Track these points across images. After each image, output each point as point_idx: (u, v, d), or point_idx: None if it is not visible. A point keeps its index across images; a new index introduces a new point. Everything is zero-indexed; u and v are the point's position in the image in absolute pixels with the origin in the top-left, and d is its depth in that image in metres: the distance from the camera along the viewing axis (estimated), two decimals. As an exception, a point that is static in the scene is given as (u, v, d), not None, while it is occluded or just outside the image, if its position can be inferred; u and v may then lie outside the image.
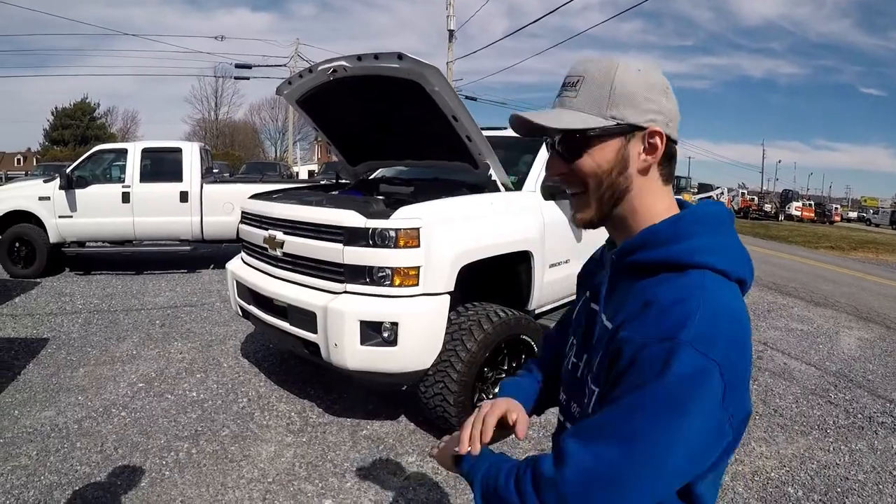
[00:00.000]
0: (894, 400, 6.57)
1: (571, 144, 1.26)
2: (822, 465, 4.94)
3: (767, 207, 56.43)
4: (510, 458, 1.29)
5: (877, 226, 65.24)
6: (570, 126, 1.23)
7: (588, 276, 1.54)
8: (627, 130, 1.23)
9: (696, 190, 58.75)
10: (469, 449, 1.35)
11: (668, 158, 1.28)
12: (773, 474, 4.71)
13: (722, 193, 59.52)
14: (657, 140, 1.23)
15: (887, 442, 5.46)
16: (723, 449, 1.13)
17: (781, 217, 55.44)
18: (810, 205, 62.54)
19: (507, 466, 1.24)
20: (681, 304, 1.10)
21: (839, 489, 4.57)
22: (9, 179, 31.41)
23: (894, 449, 5.33)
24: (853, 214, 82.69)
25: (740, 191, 63.38)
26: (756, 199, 60.20)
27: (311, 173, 39.20)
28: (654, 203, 1.28)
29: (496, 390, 4.83)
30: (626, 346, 1.11)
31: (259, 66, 38.97)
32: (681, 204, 1.34)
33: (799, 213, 57.61)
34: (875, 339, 9.39)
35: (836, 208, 71.81)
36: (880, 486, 4.66)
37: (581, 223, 1.34)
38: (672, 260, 1.18)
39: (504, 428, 1.47)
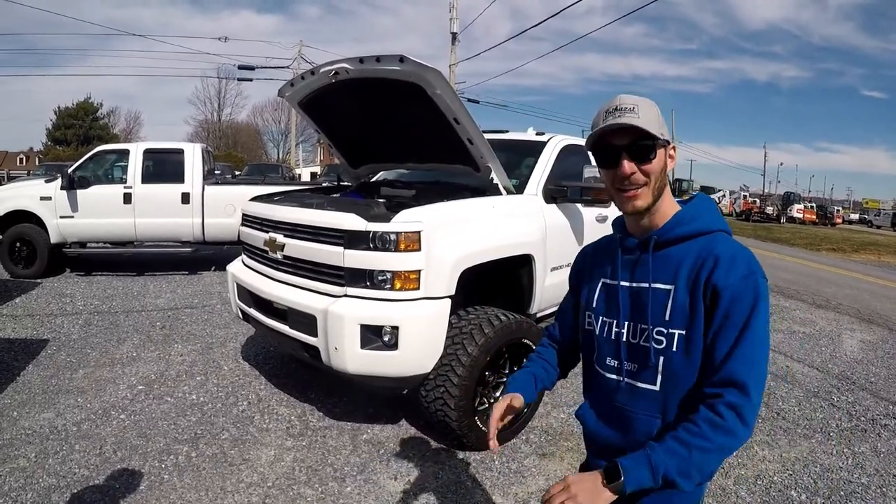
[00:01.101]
0: (897, 403, 6.56)
1: (645, 149, 1.77)
2: (826, 468, 4.92)
3: (769, 210, 56.49)
4: (665, 441, 1.65)
5: (878, 227, 65.27)
6: (656, 132, 1.75)
7: (596, 263, 2.06)
8: (666, 144, 1.80)
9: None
10: (496, 445, 1.95)
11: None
12: (776, 478, 4.70)
13: (724, 196, 59.69)
14: (674, 152, 1.86)
15: (890, 444, 5.45)
16: None
17: (783, 219, 55.43)
18: (812, 207, 62.52)
19: (684, 439, 1.62)
20: (737, 253, 1.73)
21: (842, 492, 4.56)
22: (11, 179, 31.46)
23: (897, 452, 5.32)
24: (855, 216, 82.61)
25: (742, 193, 63.52)
26: (758, 201, 60.29)
27: (313, 175, 39.13)
28: (669, 196, 1.87)
29: (497, 394, 4.84)
30: (724, 289, 1.67)
31: (262, 67, 38.94)
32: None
33: (801, 216, 57.53)
34: (877, 341, 9.39)
35: (838, 210, 71.73)
36: (883, 489, 4.64)
37: (636, 209, 1.82)
38: (704, 229, 1.80)
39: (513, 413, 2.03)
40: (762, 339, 1.65)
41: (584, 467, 2.05)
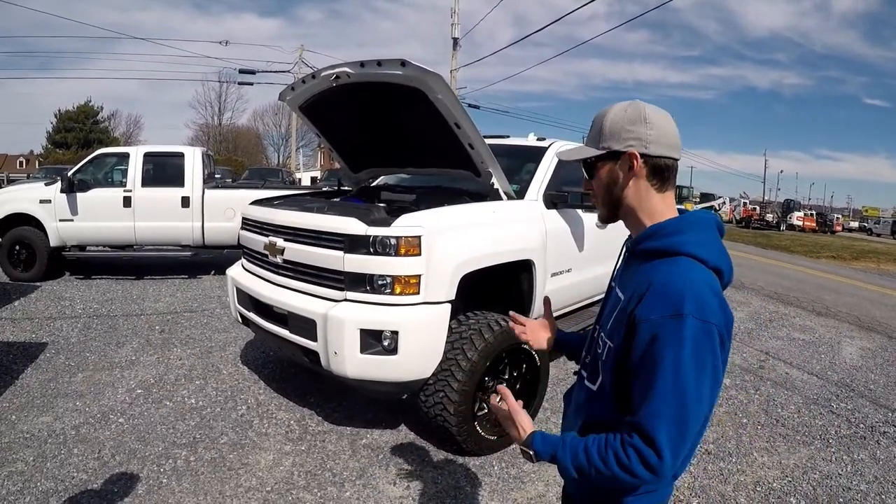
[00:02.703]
0: (896, 410, 6.56)
1: (587, 168, 1.86)
2: (825, 475, 4.93)
3: (769, 217, 56.46)
4: (582, 441, 1.66)
5: (878, 235, 65.44)
6: (578, 157, 1.85)
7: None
8: (613, 156, 1.77)
9: (698, 199, 58.80)
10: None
11: (655, 171, 1.76)
12: (775, 485, 4.70)
13: (724, 203, 59.69)
14: (633, 161, 1.74)
15: (889, 451, 5.46)
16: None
17: (783, 227, 55.41)
18: (812, 214, 62.48)
19: (594, 445, 1.61)
20: (675, 285, 1.58)
21: (841, 499, 4.57)
22: (10, 182, 31.47)
23: (896, 459, 5.32)
24: (854, 224, 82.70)
25: (742, 200, 63.44)
26: (758, 208, 60.28)
27: (313, 179, 39.21)
28: (652, 206, 1.78)
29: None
30: (642, 323, 1.57)
31: (263, 71, 39.02)
32: (680, 211, 1.82)
33: (800, 223, 57.53)
34: (877, 348, 9.41)
35: (838, 218, 71.94)
36: (883, 497, 4.65)
37: (599, 220, 1.92)
38: (670, 248, 1.67)
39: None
40: (677, 388, 1.51)
41: None
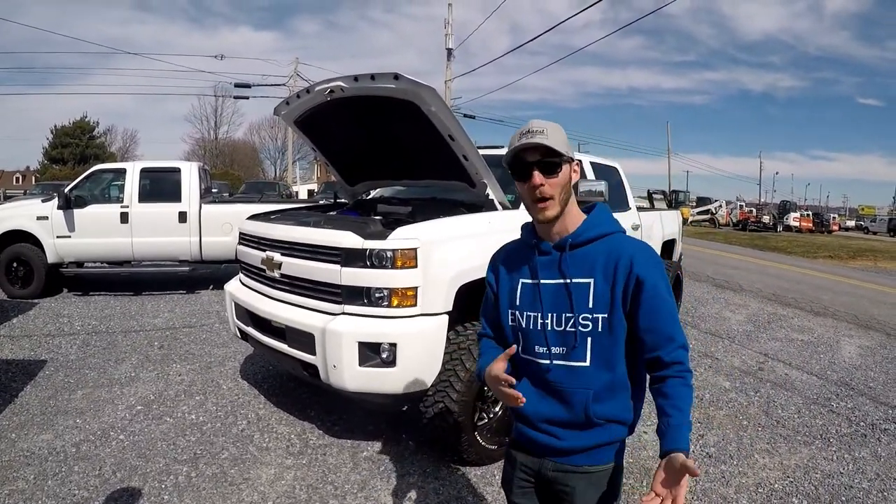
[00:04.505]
0: (896, 407, 6.57)
1: (552, 164, 2.10)
2: (826, 474, 4.94)
3: (766, 219, 56.53)
4: (677, 409, 2.01)
5: (874, 234, 65.59)
6: (562, 150, 2.09)
7: (510, 266, 2.35)
8: (570, 161, 2.15)
9: (694, 203, 58.93)
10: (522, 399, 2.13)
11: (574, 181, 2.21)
12: (776, 485, 4.71)
13: (720, 206, 59.75)
14: (577, 168, 2.21)
15: (891, 449, 5.48)
16: None
17: (780, 228, 55.51)
18: (808, 215, 62.52)
19: (683, 390, 2.05)
20: (644, 248, 2.18)
21: (843, 498, 4.58)
22: (7, 198, 31.43)
23: (897, 456, 5.33)
24: (851, 223, 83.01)
25: (738, 203, 63.56)
26: (754, 210, 60.31)
27: (310, 192, 39.15)
28: (575, 206, 2.22)
29: (496, 409, 4.83)
30: (647, 278, 2.06)
31: (259, 85, 39.08)
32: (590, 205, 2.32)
33: (797, 224, 57.59)
34: (876, 346, 9.46)
35: (834, 218, 71.96)
36: (885, 494, 4.67)
37: (547, 219, 2.14)
38: (608, 231, 2.19)
39: None
40: (674, 310, 2.14)
41: (513, 445, 2.42)
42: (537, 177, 2.08)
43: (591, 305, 2.11)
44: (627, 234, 2.26)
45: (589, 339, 2.13)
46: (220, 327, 8.95)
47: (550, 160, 2.08)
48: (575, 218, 2.21)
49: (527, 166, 2.10)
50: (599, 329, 2.11)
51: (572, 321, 2.13)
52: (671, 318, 2.10)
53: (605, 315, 2.10)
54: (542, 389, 2.22)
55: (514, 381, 2.16)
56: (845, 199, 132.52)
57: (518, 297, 2.27)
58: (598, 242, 2.16)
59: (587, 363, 2.14)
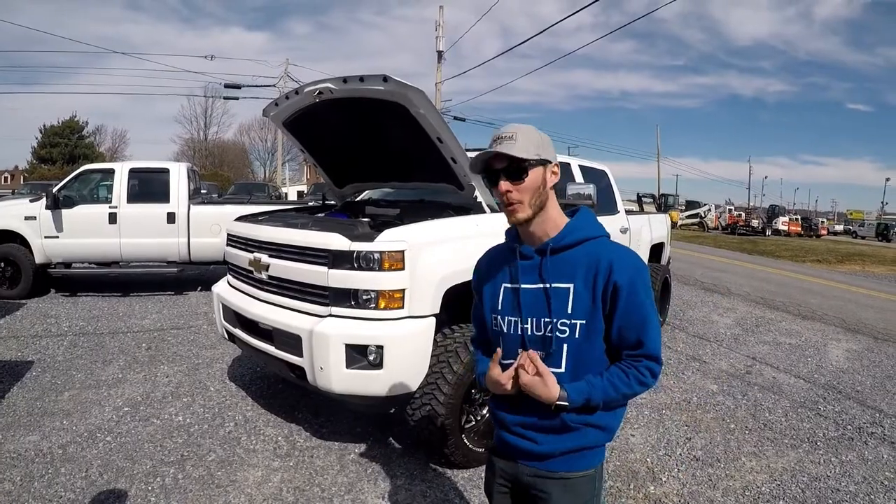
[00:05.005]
0: (883, 410, 6.63)
1: (518, 171, 2.09)
2: (813, 477, 4.96)
3: (754, 223, 56.74)
4: (601, 379, 2.10)
5: (863, 238, 65.80)
6: (524, 155, 2.07)
7: (493, 270, 2.36)
8: (545, 163, 2.14)
9: (683, 207, 59.02)
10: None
11: (556, 183, 2.21)
12: (763, 488, 4.73)
13: (709, 210, 59.89)
14: (557, 170, 2.20)
15: (877, 452, 5.50)
16: None
17: (768, 232, 55.66)
18: (797, 219, 62.76)
19: (616, 379, 2.09)
20: (625, 254, 2.15)
21: (830, 501, 4.60)
22: (-5, 199, 31.26)
23: (884, 459, 5.38)
24: (839, 227, 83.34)
25: (727, 207, 63.79)
26: (743, 214, 60.48)
27: (300, 194, 39.11)
28: (556, 209, 2.22)
29: (483, 411, 4.83)
30: (623, 284, 2.05)
31: (249, 86, 39.04)
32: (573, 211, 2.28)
33: (786, 228, 57.77)
34: (863, 350, 9.50)
35: (823, 222, 72.19)
36: (871, 497, 4.69)
37: (517, 221, 2.16)
38: (591, 236, 2.17)
39: None
40: (655, 317, 2.14)
41: (493, 451, 2.44)
42: (503, 184, 2.12)
43: (569, 311, 2.11)
44: (613, 238, 2.26)
45: (565, 346, 2.12)
46: (207, 329, 8.93)
47: (516, 167, 2.10)
48: (557, 222, 2.20)
49: (495, 173, 2.14)
50: (577, 335, 2.11)
51: (550, 326, 2.13)
52: (645, 323, 2.10)
53: (584, 321, 2.10)
54: (521, 395, 2.17)
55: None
56: (834, 203, 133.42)
57: (500, 301, 2.29)
58: (580, 247, 2.15)
59: (562, 370, 2.13)
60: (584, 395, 2.06)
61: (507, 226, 2.29)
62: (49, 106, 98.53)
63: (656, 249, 10.21)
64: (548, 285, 2.15)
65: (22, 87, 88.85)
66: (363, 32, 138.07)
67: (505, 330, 2.25)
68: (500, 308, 2.28)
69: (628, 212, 9.23)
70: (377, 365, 4.35)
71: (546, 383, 2.06)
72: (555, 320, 2.13)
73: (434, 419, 4.49)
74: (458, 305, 4.83)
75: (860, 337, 10.51)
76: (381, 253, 4.31)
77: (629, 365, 2.10)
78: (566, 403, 2.06)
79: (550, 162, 2.17)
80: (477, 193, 5.30)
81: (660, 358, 2.12)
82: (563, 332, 2.11)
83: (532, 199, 2.13)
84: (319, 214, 6.43)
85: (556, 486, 2.18)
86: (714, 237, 44.67)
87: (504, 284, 2.28)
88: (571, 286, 2.11)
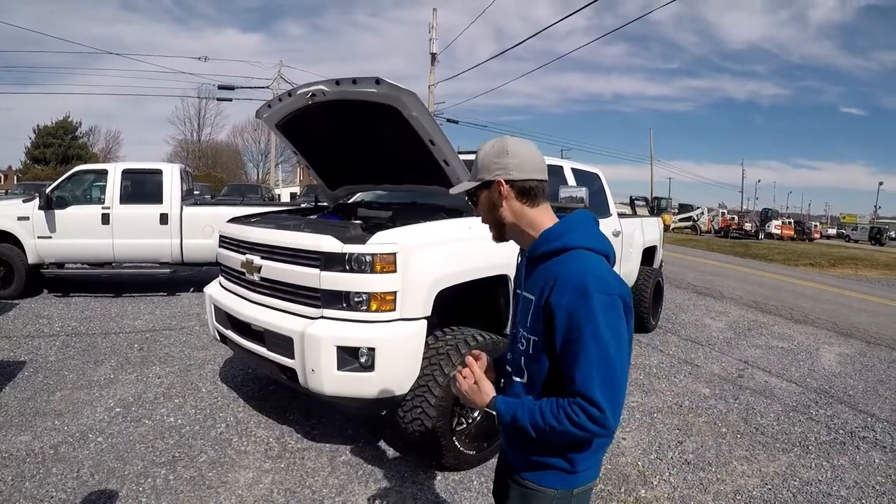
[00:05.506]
0: (875, 414, 6.64)
1: (471, 199, 2.21)
2: (805, 481, 4.97)
3: (747, 226, 56.77)
4: (535, 401, 1.99)
5: (856, 242, 66.06)
6: (462, 190, 2.21)
7: (517, 275, 2.32)
8: (486, 185, 2.13)
9: (676, 210, 59.08)
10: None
11: (522, 192, 2.10)
12: (755, 492, 4.73)
13: (702, 213, 59.95)
14: (500, 187, 2.09)
15: (869, 456, 5.51)
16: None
17: (761, 235, 55.68)
18: (790, 223, 62.83)
19: (546, 408, 1.92)
20: (577, 273, 1.91)
21: (821, 505, 4.60)
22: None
23: (876, 463, 5.39)
24: (832, 231, 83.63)
25: (720, 210, 63.81)
26: (736, 218, 60.57)
27: (293, 196, 39.13)
28: (530, 219, 2.12)
29: (475, 414, 4.84)
30: (558, 309, 1.90)
31: (242, 87, 38.94)
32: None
33: (779, 232, 57.81)
34: (855, 354, 9.53)
35: (816, 226, 72.36)
36: (863, 501, 4.71)
37: (493, 240, 2.24)
38: (566, 246, 2.00)
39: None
40: (601, 353, 1.86)
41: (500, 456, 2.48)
42: (476, 210, 2.22)
43: (528, 324, 2.06)
44: (591, 249, 2.03)
45: (523, 358, 2.10)
46: (199, 330, 8.92)
47: (470, 192, 2.20)
48: (542, 226, 2.11)
49: None
50: (531, 350, 2.05)
51: (518, 335, 2.14)
52: (578, 357, 1.88)
53: (535, 338, 2.03)
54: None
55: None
56: (827, 207, 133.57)
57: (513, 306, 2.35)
58: (554, 258, 2.02)
59: (524, 380, 2.11)
60: (511, 410, 2.01)
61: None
62: (43, 106, 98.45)
63: (649, 253, 10.23)
64: (521, 293, 2.17)
65: (15, 87, 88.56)
66: (357, 34, 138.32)
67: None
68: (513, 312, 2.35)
69: (621, 215, 9.25)
70: (368, 367, 4.35)
71: (480, 389, 2.11)
72: (521, 330, 2.12)
73: (425, 421, 4.49)
74: (449, 308, 4.84)
75: (852, 341, 10.54)
76: (373, 255, 4.31)
77: (565, 400, 1.91)
78: (494, 413, 2.06)
79: (492, 181, 2.12)
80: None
81: (597, 401, 1.84)
82: (523, 344, 2.09)
83: (490, 220, 2.19)
84: (312, 216, 6.42)
85: (516, 490, 2.18)
86: (707, 240, 44.72)
87: (516, 289, 2.30)
88: (534, 299, 2.04)
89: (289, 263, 4.72)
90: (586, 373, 1.86)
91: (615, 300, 1.91)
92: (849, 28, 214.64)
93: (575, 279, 1.91)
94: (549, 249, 2.04)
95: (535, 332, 2.01)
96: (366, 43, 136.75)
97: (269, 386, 6.53)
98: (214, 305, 5.67)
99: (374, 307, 4.35)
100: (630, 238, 9.00)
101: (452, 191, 2.21)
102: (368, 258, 4.30)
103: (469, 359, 2.20)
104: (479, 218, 2.18)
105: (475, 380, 2.12)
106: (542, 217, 2.13)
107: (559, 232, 2.06)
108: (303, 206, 9.11)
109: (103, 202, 11.24)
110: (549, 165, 5.86)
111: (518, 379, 2.12)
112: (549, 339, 1.96)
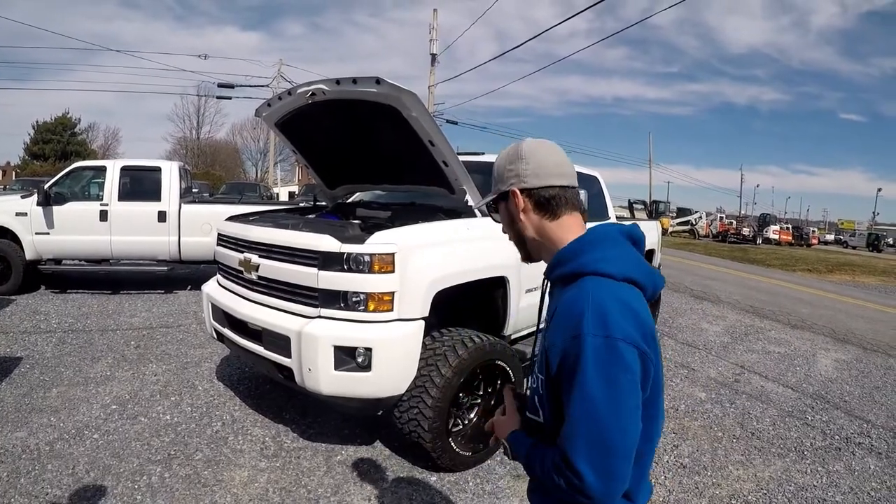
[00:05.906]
0: (871, 420, 6.65)
1: (492, 214, 1.97)
2: (800, 487, 4.98)
3: (745, 231, 56.76)
4: (542, 447, 1.69)
5: (854, 248, 66.14)
6: (481, 204, 2.05)
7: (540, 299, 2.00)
8: (503, 196, 1.85)
9: (674, 214, 59.10)
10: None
11: (539, 203, 1.80)
12: (750, 497, 4.74)
13: (700, 217, 59.99)
14: (514, 198, 1.80)
15: (864, 462, 5.52)
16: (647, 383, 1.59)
17: (759, 240, 55.73)
18: (788, 228, 62.95)
19: (546, 455, 1.63)
20: (575, 308, 1.56)
21: (816, 511, 4.60)
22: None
23: (871, 469, 5.39)
24: (830, 237, 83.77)
25: (718, 215, 63.93)
26: (734, 222, 60.62)
27: (291, 195, 39.11)
28: (550, 235, 1.80)
29: (471, 415, 4.84)
30: (551, 349, 1.61)
31: (242, 85, 38.89)
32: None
33: (777, 237, 57.90)
34: (852, 360, 9.53)
35: (814, 231, 72.48)
36: (857, 508, 4.69)
37: (522, 260, 1.96)
38: (574, 272, 1.66)
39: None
40: (586, 411, 1.51)
41: None
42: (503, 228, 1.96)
43: (539, 360, 1.78)
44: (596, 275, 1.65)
45: (535, 398, 1.80)
46: (196, 328, 8.91)
47: (490, 206, 1.97)
48: (558, 247, 1.77)
49: None
50: (540, 391, 1.75)
51: (535, 371, 1.84)
52: (569, 429, 1.55)
53: (542, 377, 1.71)
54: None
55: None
56: (825, 213, 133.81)
57: None
58: (571, 285, 1.67)
59: (540, 419, 1.77)
60: (524, 448, 1.75)
61: (497, 228, 2.05)
62: (42, 102, 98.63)
63: (647, 256, 10.19)
64: (541, 324, 1.90)
65: (15, 83, 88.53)
66: (357, 34, 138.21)
67: None
68: None
69: (619, 218, 9.25)
70: (365, 367, 4.35)
71: (507, 422, 1.90)
72: (535, 365, 1.85)
73: (422, 422, 4.49)
74: (447, 309, 4.84)
75: (849, 347, 10.55)
76: (371, 255, 4.30)
77: (559, 456, 1.57)
78: (507, 445, 1.84)
79: (507, 192, 1.83)
80: (468, 197, 5.30)
81: (576, 468, 1.50)
82: (534, 382, 1.81)
83: (512, 237, 1.91)
84: (310, 216, 6.43)
85: None
86: (705, 245, 44.76)
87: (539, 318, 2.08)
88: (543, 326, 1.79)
89: (287, 262, 4.72)
90: (569, 432, 1.54)
91: (615, 345, 1.50)
92: (849, 34, 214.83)
93: (568, 315, 1.58)
94: (561, 273, 1.72)
95: (542, 371, 1.69)
96: (366, 43, 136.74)
97: (266, 385, 6.53)
98: (212, 303, 5.66)
99: (371, 307, 4.35)
100: (628, 241, 8.96)
101: (474, 205, 1.98)
102: (367, 258, 4.30)
103: (506, 388, 2.00)
104: (482, 221, 2.02)
105: (504, 410, 1.95)
106: (565, 231, 1.79)
107: (571, 252, 1.72)
108: (301, 205, 9.10)
109: (101, 199, 11.23)
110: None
111: (533, 417, 1.81)
112: (550, 382, 1.65)
